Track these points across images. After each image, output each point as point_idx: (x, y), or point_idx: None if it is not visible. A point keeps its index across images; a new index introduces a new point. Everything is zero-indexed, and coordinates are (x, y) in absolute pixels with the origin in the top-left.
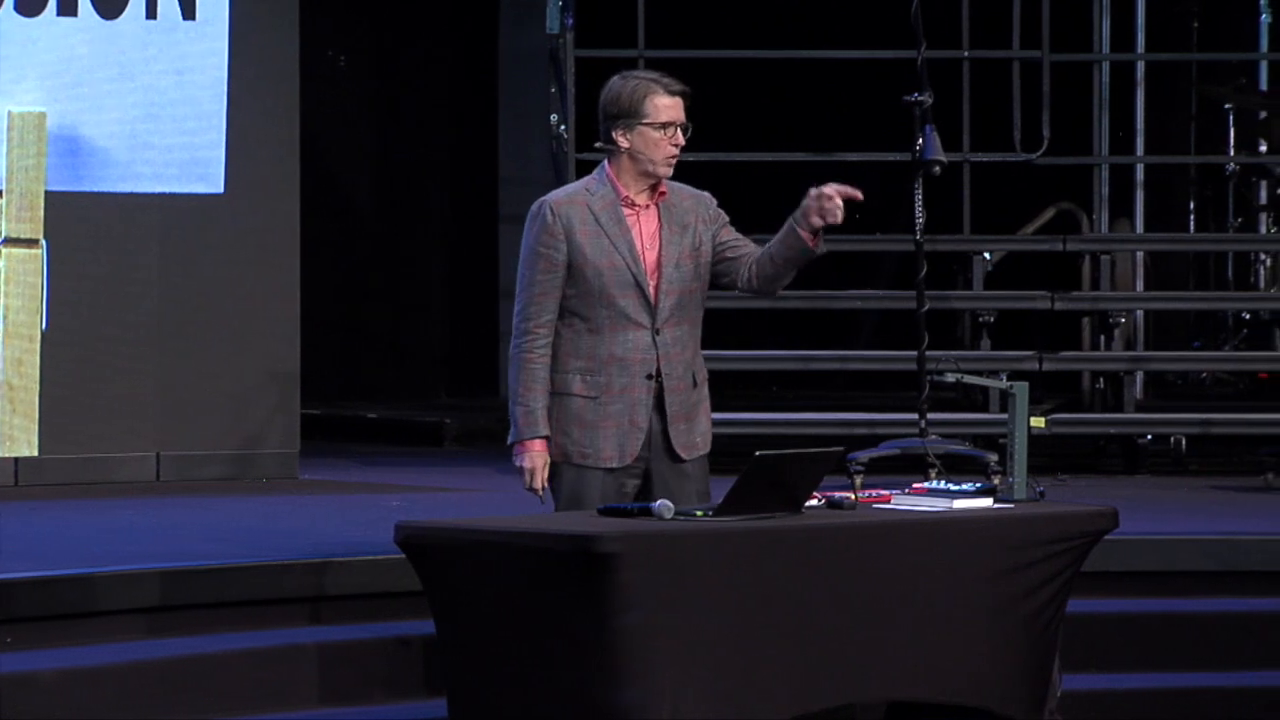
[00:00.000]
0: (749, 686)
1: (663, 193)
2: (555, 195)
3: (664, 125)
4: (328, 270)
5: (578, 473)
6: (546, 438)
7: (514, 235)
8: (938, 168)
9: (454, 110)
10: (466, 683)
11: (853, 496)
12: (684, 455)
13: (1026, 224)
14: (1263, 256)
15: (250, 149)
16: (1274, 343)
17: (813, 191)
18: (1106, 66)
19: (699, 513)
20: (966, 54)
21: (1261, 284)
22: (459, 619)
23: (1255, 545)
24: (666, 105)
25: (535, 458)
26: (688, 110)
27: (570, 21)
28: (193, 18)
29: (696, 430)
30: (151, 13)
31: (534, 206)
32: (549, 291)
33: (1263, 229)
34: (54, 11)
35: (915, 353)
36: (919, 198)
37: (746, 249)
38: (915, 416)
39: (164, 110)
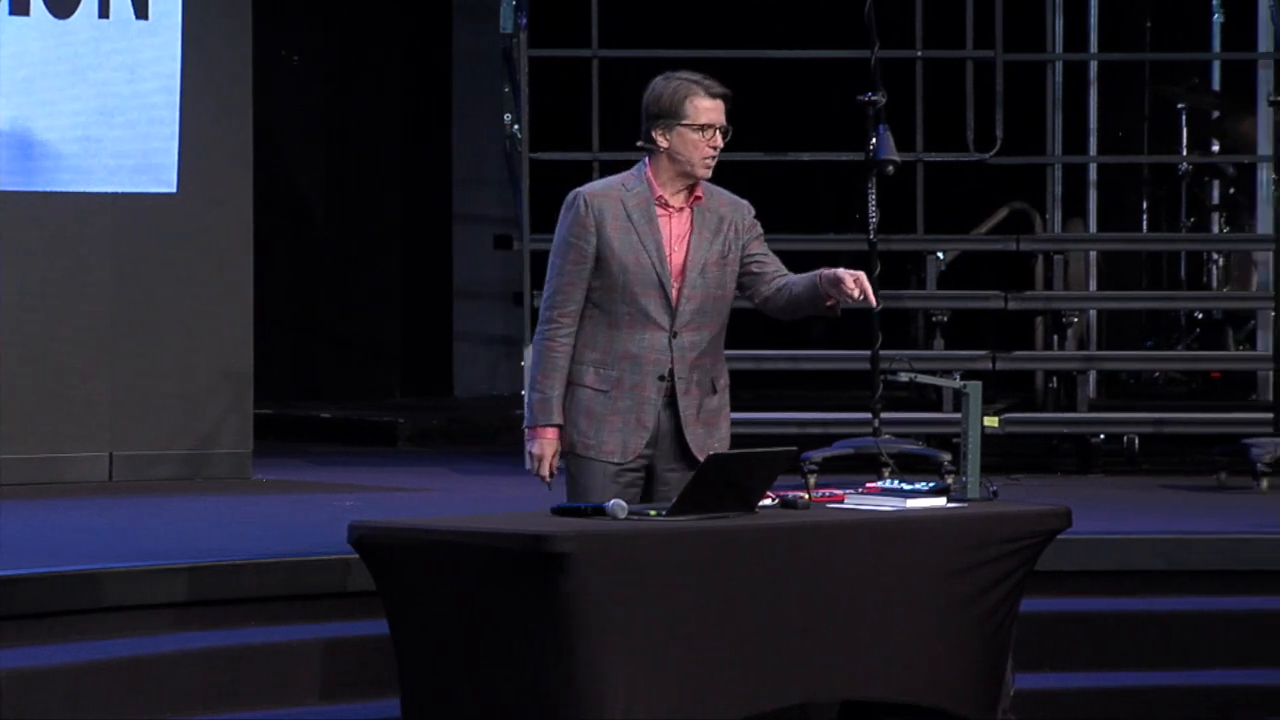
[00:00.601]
0: (702, 686)
1: (699, 197)
2: (591, 187)
3: (703, 127)
4: (281, 270)
5: (581, 463)
6: (559, 426)
7: (467, 235)
8: (891, 167)
9: (407, 110)
10: (420, 682)
11: (806, 496)
12: (701, 459)
13: (980, 224)
14: (1215, 256)
15: (203, 148)
16: (1226, 342)
17: (846, 275)
18: (1060, 66)
19: (652, 512)
20: (920, 54)
21: (1214, 284)
22: (412, 619)
23: (1208, 544)
24: (707, 107)
25: (545, 445)
26: (729, 113)
27: (524, 21)
28: (145, 17)
29: (716, 436)
30: (104, 12)
31: (569, 196)
32: (576, 282)
33: (1215, 229)
34: (6, 10)
35: (869, 352)
36: (872, 197)
37: (770, 267)
38: (869, 416)
39: (117, 110)
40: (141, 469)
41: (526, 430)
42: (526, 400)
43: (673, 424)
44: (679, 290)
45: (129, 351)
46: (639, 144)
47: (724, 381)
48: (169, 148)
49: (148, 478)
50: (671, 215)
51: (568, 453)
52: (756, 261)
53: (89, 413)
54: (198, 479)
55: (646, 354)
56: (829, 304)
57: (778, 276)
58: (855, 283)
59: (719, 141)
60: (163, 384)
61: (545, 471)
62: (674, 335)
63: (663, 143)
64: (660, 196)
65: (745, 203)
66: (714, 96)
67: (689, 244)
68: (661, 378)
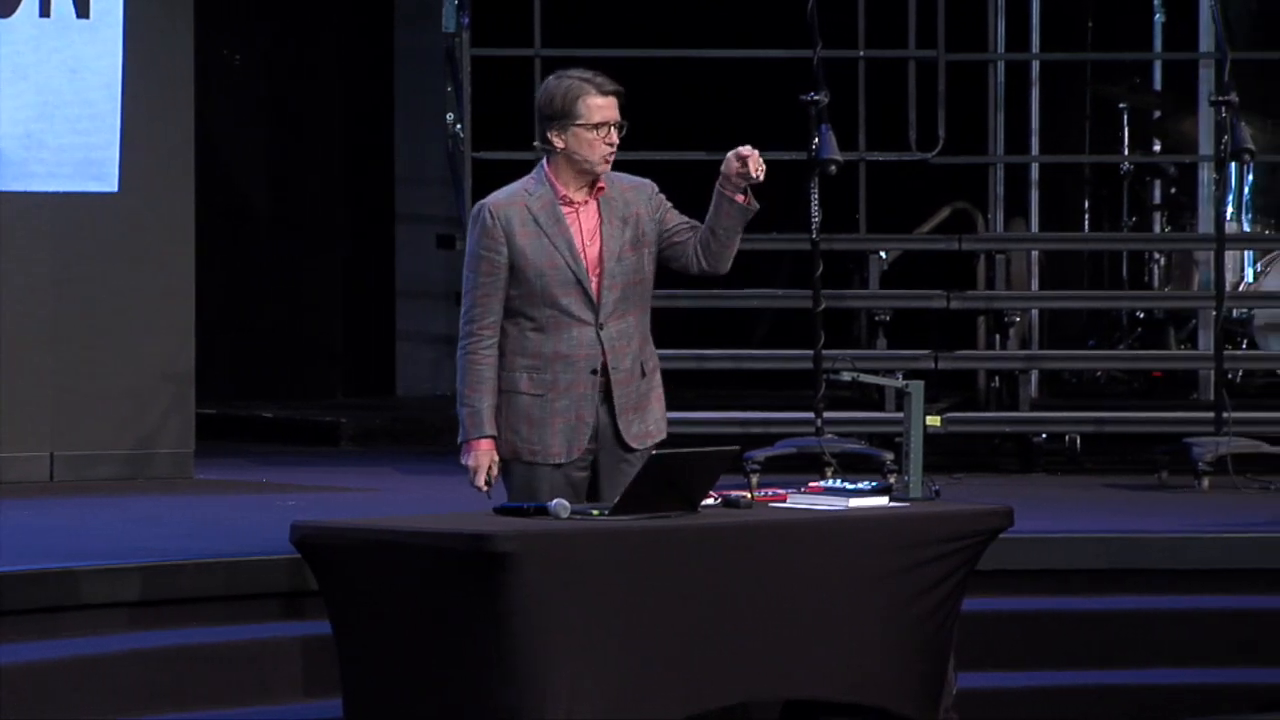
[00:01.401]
0: (644, 685)
1: (601, 187)
2: (494, 198)
3: (597, 125)
4: (222, 269)
5: (527, 469)
6: (493, 437)
7: (410, 234)
8: (834, 167)
9: (349, 109)
10: (362, 682)
11: (749, 495)
12: (635, 445)
13: (922, 223)
14: (1157, 256)
15: (145, 148)
16: (1168, 342)
17: (729, 155)
18: (1002, 66)
19: (595, 512)
20: (862, 54)
21: (1155, 283)
22: (355, 619)
23: (1149, 543)
24: (599, 105)
25: (480, 456)
26: (622, 108)
27: (466, 20)
28: (86, 16)
29: (649, 419)
30: (45, 11)
31: (474, 209)
32: (492, 293)
33: (1157, 228)
34: None
35: (811, 352)
36: (815, 197)
37: (691, 231)
38: (811, 415)
39: (58, 109)
40: (83, 469)
41: (461, 445)
42: (458, 415)
43: (609, 416)
44: (599, 283)
45: (70, 351)
46: (535, 145)
47: (653, 363)
48: (110, 146)
49: (89, 478)
50: (578, 210)
51: (511, 460)
52: (676, 232)
53: (29, 413)
54: (139, 479)
55: (577, 351)
56: (742, 200)
57: (699, 233)
58: (746, 161)
59: (614, 138)
60: (104, 384)
61: (481, 482)
62: (601, 327)
63: (559, 143)
64: (564, 195)
65: (647, 182)
66: (606, 94)
67: (601, 235)
68: (595, 371)
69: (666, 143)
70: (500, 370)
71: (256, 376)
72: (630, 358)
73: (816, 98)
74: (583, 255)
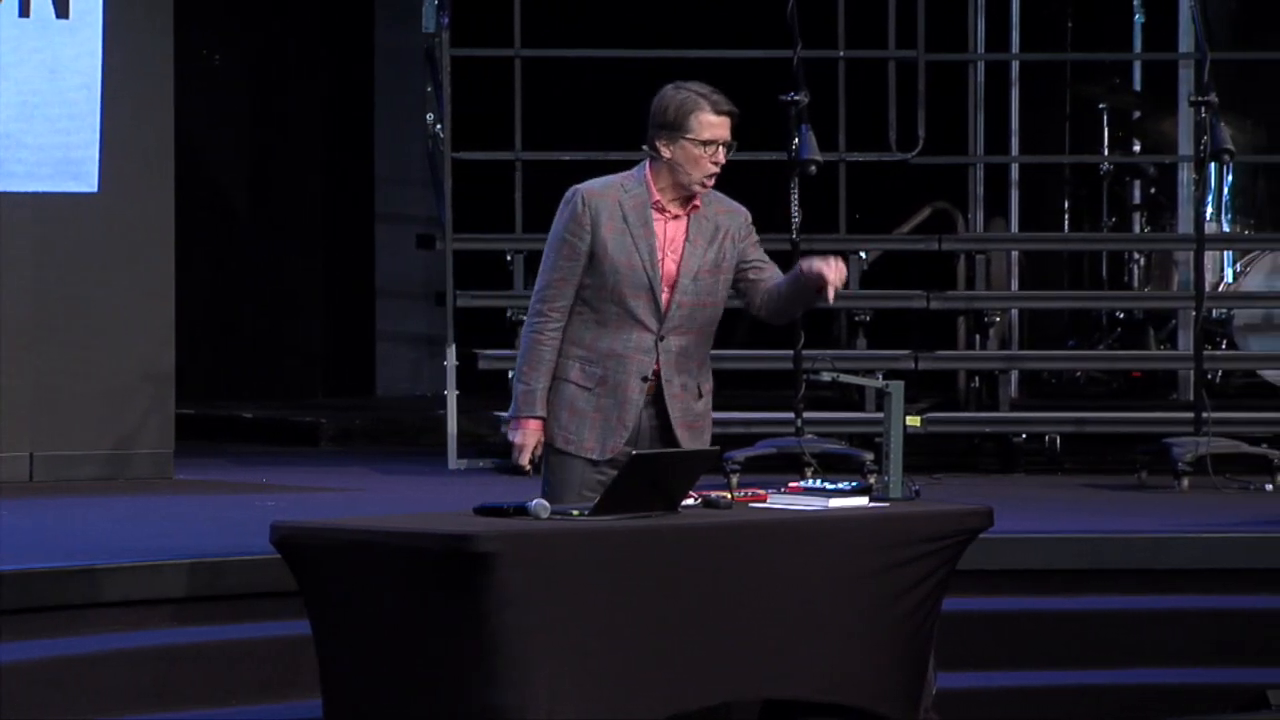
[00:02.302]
0: (625, 685)
1: (696, 205)
2: (590, 185)
3: (706, 142)
4: (202, 269)
5: (560, 458)
6: (542, 418)
7: (390, 234)
8: (814, 167)
9: (329, 109)
10: (342, 683)
11: (729, 495)
12: None
13: (902, 223)
14: (1136, 256)
15: (125, 148)
16: (1148, 342)
17: (831, 262)
18: (982, 66)
19: (575, 512)
20: (842, 54)
21: (1135, 283)
22: (335, 619)
23: (1129, 544)
24: (712, 123)
25: (527, 435)
26: (735, 129)
27: (446, 20)
28: (66, 16)
29: (700, 440)
30: (25, 11)
31: (568, 192)
32: (568, 278)
33: (1136, 229)
34: None
35: (791, 352)
36: (795, 197)
37: (767, 273)
38: (791, 415)
39: (38, 109)
40: (62, 469)
41: (510, 420)
42: (513, 390)
43: (656, 425)
44: (670, 296)
45: (50, 351)
46: (643, 147)
47: (708, 387)
48: (90, 146)
49: (69, 478)
50: (667, 220)
51: (548, 445)
52: (754, 268)
53: (9, 413)
54: (119, 479)
55: (631, 354)
56: (819, 291)
57: (772, 277)
58: (831, 270)
59: (721, 158)
60: (84, 384)
61: (525, 460)
62: (660, 338)
63: (665, 153)
64: (657, 201)
65: (742, 209)
66: (721, 113)
67: (683, 250)
68: (645, 378)
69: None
70: (557, 355)
71: (236, 377)
72: (686, 375)
73: (796, 98)
74: (661, 264)
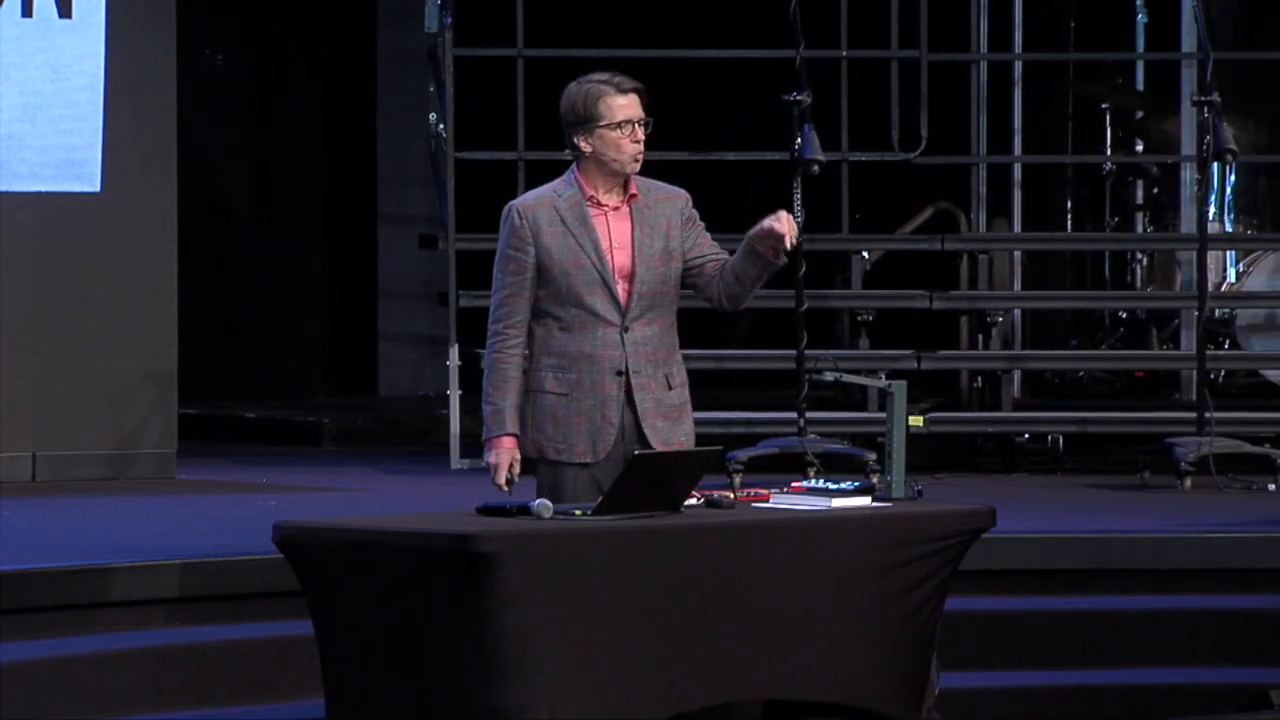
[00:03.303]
0: (627, 685)
1: (634, 195)
2: (524, 199)
3: (620, 124)
4: (205, 269)
5: (553, 468)
6: (515, 435)
7: (392, 234)
8: (816, 167)
9: (332, 109)
10: (345, 683)
11: (731, 495)
12: (660, 448)
13: (905, 223)
14: (1139, 256)
15: (127, 148)
16: (1150, 342)
17: (776, 226)
18: (984, 66)
19: (578, 512)
20: (845, 54)
21: (1138, 283)
22: (337, 619)
23: (1131, 544)
24: (621, 105)
25: (501, 454)
26: (646, 106)
27: (449, 20)
28: (69, 16)
29: (680, 430)
30: (27, 11)
31: (504, 210)
32: (519, 293)
33: (1139, 228)
34: None
35: (794, 351)
36: (797, 197)
37: (716, 262)
38: (794, 415)
39: (40, 109)
40: (65, 469)
41: (484, 442)
42: (483, 414)
43: (633, 418)
44: (629, 288)
45: (52, 351)
46: (565, 152)
47: (680, 378)
48: (93, 147)
49: (71, 478)
50: (607, 213)
51: (538, 460)
52: (706, 260)
53: (11, 412)
54: (121, 479)
55: (601, 351)
56: (772, 256)
57: (724, 267)
58: (783, 223)
59: (640, 135)
60: (86, 384)
61: (502, 479)
62: (625, 330)
63: (586, 148)
64: (592, 197)
65: (681, 193)
66: (625, 92)
67: (633, 240)
68: (619, 373)
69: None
70: (529, 370)
71: (239, 377)
72: (654, 365)
73: (799, 98)
74: (609, 257)
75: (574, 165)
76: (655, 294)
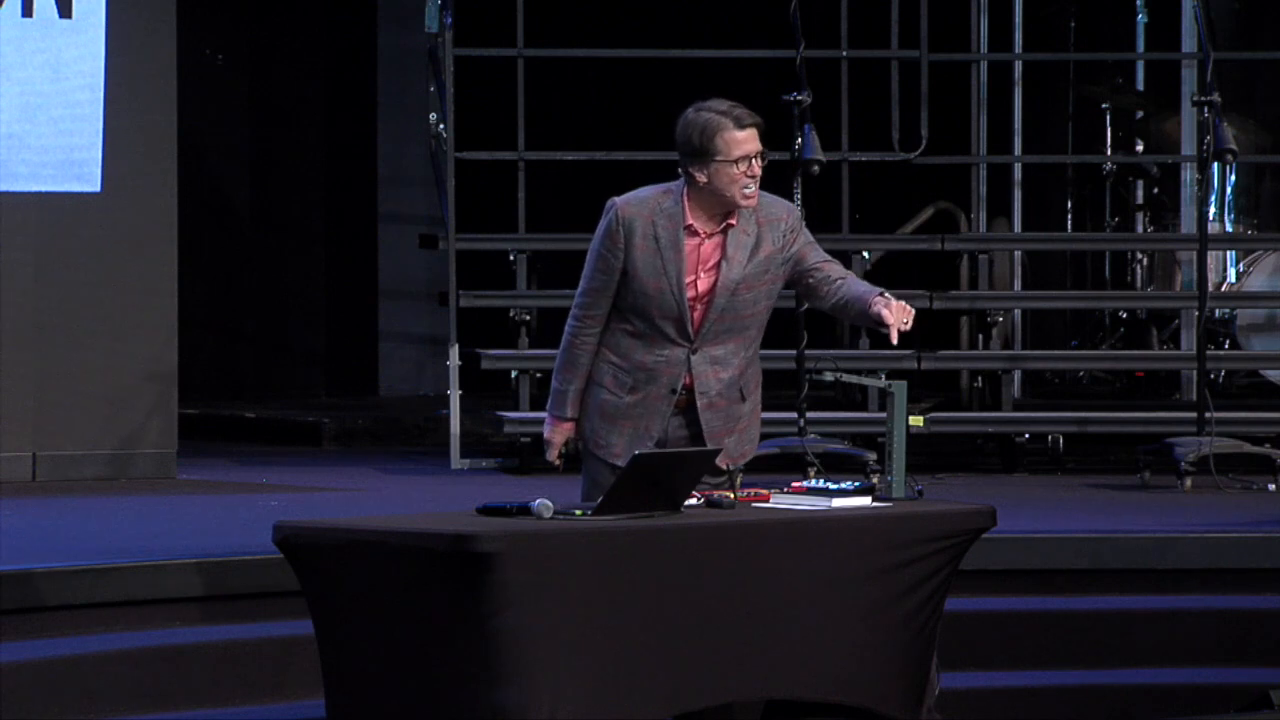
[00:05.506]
0: (628, 686)
1: (731, 224)
2: (626, 199)
3: (738, 160)
4: (205, 269)
5: (593, 461)
6: (571, 420)
7: (392, 234)
8: (816, 167)
9: (332, 109)
10: (345, 682)
11: (731, 495)
12: (725, 465)
13: (905, 223)
14: (1139, 256)
15: (127, 148)
16: (1150, 342)
17: (887, 316)
18: (985, 66)
19: (578, 512)
20: (845, 54)
21: (1138, 283)
22: (338, 618)
23: (1131, 543)
24: (740, 139)
25: (556, 433)
26: (763, 136)
27: (449, 20)
28: (69, 16)
29: (746, 441)
30: (28, 11)
31: (607, 204)
32: (603, 290)
33: (1139, 228)
34: None
35: (794, 351)
36: (798, 197)
37: (826, 271)
38: (794, 415)
39: (40, 109)
40: (65, 469)
41: (547, 415)
42: (551, 387)
43: (687, 435)
44: (703, 313)
45: (52, 352)
46: (678, 172)
47: (751, 388)
48: (93, 147)
49: (72, 478)
50: (701, 242)
51: (585, 447)
52: (815, 270)
53: (12, 413)
54: (122, 479)
55: (662, 367)
56: (883, 329)
57: (835, 281)
58: (894, 314)
59: (757, 170)
60: (87, 384)
61: (552, 456)
62: (694, 351)
63: (701, 179)
64: (690, 225)
65: (786, 213)
66: (745, 127)
67: (719, 270)
68: (674, 390)
69: (648, 143)
70: (595, 359)
71: (239, 376)
72: (723, 384)
73: (799, 98)
74: (691, 287)
75: (684, 183)
76: (733, 319)
